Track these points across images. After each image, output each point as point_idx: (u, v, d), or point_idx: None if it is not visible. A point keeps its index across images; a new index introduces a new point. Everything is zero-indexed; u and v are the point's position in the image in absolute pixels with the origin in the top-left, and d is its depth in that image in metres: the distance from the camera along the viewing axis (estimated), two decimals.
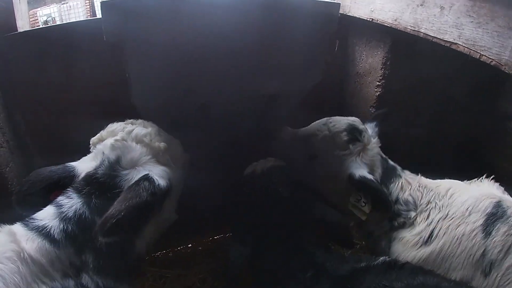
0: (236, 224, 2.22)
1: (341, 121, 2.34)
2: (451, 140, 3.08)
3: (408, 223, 2.15)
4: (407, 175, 2.30)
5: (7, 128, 2.36)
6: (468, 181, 2.17)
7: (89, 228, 1.60)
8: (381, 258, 1.83)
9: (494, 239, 1.82)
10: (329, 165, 2.30)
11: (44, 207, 1.69)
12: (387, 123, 2.55)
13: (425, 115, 2.99)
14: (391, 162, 2.35)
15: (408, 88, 2.88)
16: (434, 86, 2.89)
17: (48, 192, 1.75)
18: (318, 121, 2.44)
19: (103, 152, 1.81)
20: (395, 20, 2.43)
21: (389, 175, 2.28)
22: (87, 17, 8.53)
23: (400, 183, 2.24)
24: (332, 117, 2.40)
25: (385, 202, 2.09)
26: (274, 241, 1.98)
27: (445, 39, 2.12)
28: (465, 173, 2.20)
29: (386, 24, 2.51)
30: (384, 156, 2.36)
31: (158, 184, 1.71)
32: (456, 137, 3.08)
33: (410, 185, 2.23)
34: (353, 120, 2.36)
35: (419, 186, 2.21)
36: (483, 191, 2.03)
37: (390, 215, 2.19)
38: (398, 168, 2.33)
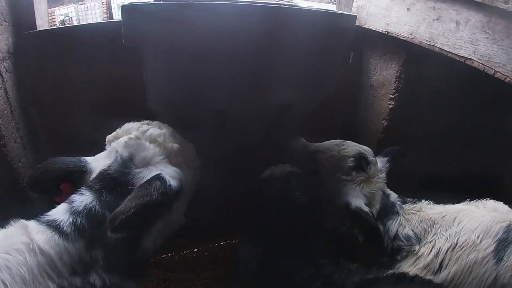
0: (249, 227, 2.22)
1: (353, 147, 2.33)
2: (463, 155, 3.05)
3: (412, 254, 2.11)
4: (406, 210, 2.23)
5: (22, 124, 2.39)
6: (474, 201, 2.15)
7: (99, 223, 1.61)
8: (391, 271, 1.82)
9: (506, 264, 1.80)
10: (327, 185, 2.29)
11: (52, 195, 1.74)
12: (398, 161, 2.53)
13: (437, 129, 2.97)
14: (393, 199, 2.29)
15: (421, 102, 2.87)
16: (447, 101, 2.88)
17: (59, 182, 1.78)
18: (333, 140, 2.45)
19: (117, 150, 1.83)
20: (411, 34, 2.43)
21: (387, 212, 2.23)
22: (104, 19, 8.67)
23: (398, 220, 2.20)
24: (347, 141, 2.40)
25: (378, 239, 2.08)
26: (285, 247, 1.97)
27: (460, 54, 2.12)
28: (476, 189, 2.18)
29: (401, 38, 2.51)
30: (387, 192, 2.32)
31: (170, 185, 1.70)
32: (468, 152, 3.06)
33: (410, 221, 2.17)
34: (366, 149, 2.35)
35: (421, 221, 2.15)
36: (493, 216, 1.99)
37: (388, 251, 2.17)
38: (398, 205, 2.26)
